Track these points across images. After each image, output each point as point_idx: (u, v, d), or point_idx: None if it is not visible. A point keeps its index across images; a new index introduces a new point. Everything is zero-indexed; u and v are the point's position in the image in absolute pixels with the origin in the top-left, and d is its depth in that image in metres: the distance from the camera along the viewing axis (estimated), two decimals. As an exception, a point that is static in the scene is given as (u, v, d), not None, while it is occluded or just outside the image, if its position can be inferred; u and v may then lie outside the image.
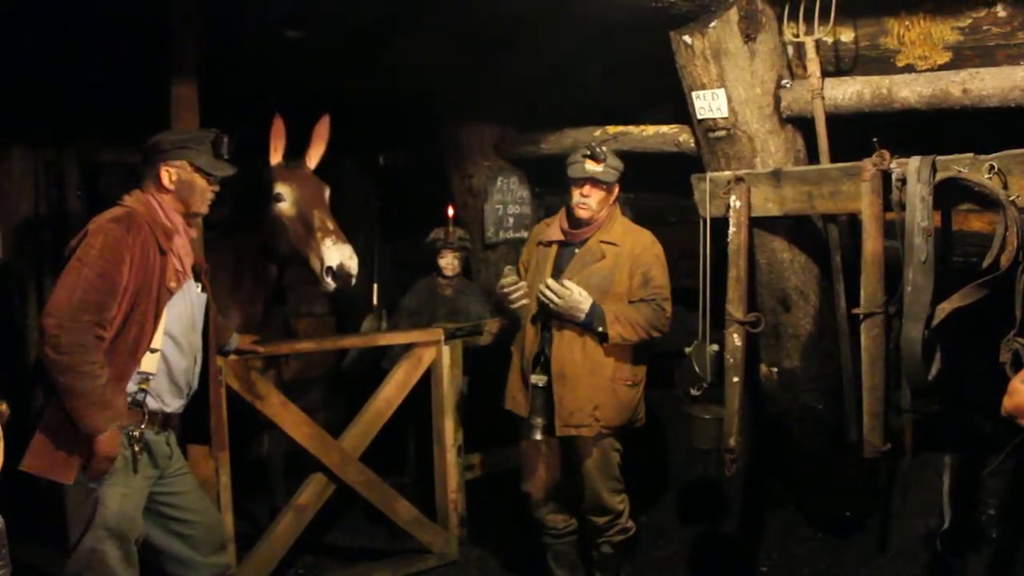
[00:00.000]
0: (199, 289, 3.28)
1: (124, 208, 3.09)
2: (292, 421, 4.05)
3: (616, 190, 3.92)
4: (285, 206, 4.05)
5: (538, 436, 3.94)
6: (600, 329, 3.77)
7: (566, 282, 3.79)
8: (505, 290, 3.90)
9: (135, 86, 4.05)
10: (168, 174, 3.15)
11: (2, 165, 4.57)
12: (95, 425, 2.88)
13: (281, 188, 4.06)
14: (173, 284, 3.08)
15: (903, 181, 3.19)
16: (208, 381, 3.33)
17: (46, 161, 4.66)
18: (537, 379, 3.89)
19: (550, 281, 3.79)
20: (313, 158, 4.21)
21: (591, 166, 3.83)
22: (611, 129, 4.63)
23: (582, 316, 3.76)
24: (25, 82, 4.22)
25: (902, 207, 3.20)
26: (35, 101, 4.30)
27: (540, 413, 3.92)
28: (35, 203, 4.63)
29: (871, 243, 3.35)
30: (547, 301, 3.78)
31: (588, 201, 3.85)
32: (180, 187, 3.16)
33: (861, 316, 3.39)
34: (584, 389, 3.82)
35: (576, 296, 3.75)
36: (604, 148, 3.89)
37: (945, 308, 3.08)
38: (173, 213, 3.15)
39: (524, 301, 3.89)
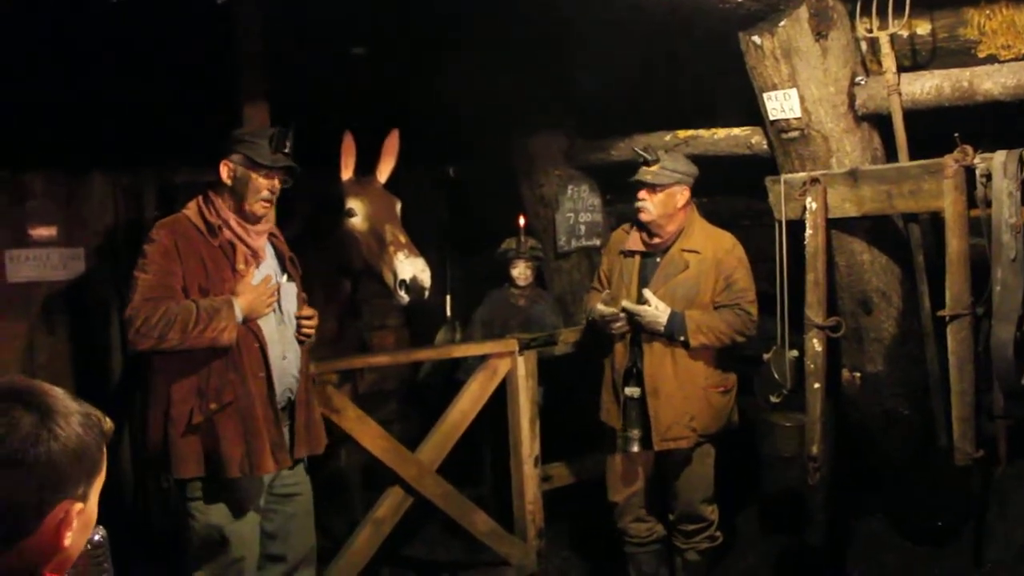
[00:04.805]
0: (285, 279, 3.36)
1: (174, 215, 3.28)
2: (368, 434, 4.06)
3: (683, 193, 3.87)
4: (357, 221, 4.06)
5: (635, 448, 3.91)
6: (682, 338, 3.78)
7: (646, 293, 3.80)
8: (607, 319, 3.89)
9: (208, 108, 4.12)
10: (227, 169, 3.25)
11: (83, 190, 4.69)
12: (225, 328, 3.06)
13: (353, 203, 4.07)
14: (242, 266, 3.20)
15: (988, 176, 3.13)
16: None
17: (124, 184, 4.77)
18: (631, 391, 3.88)
19: (626, 303, 3.83)
20: (383, 172, 4.22)
21: (642, 170, 3.85)
22: (681, 133, 4.59)
23: (662, 328, 3.78)
24: (103, 108, 4.32)
25: (988, 204, 3.14)
26: (112, 126, 4.40)
27: (635, 425, 3.90)
28: (114, 225, 4.74)
29: (956, 242, 3.30)
30: (631, 319, 3.83)
31: (644, 205, 3.85)
32: (236, 183, 3.25)
33: (947, 318, 3.34)
34: (679, 401, 3.83)
35: (653, 312, 3.77)
36: (657, 151, 3.88)
37: (1038, 308, 3.00)
38: (225, 211, 3.24)
39: (625, 330, 3.90)
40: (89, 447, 1.31)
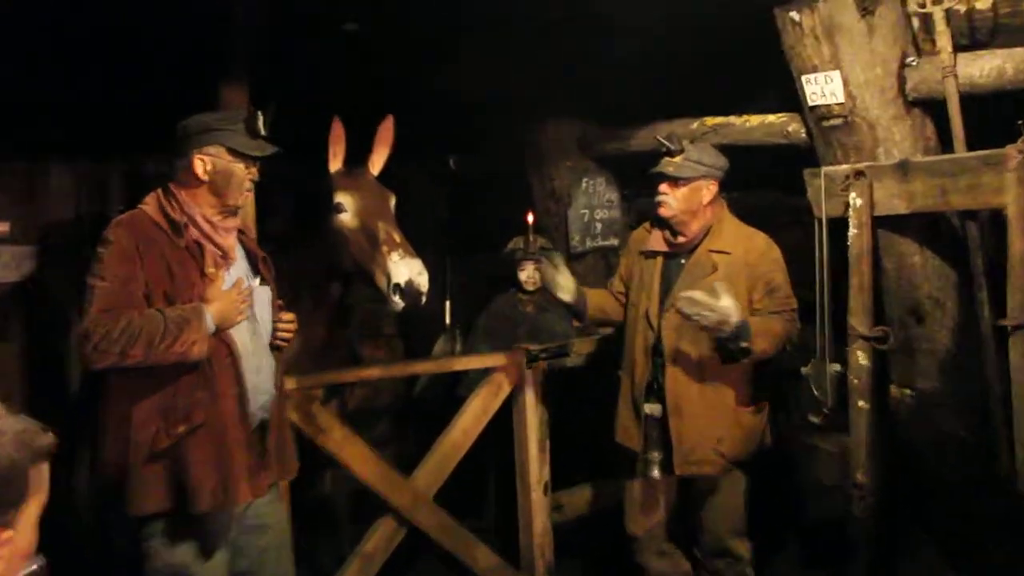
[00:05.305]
0: (258, 282, 3.16)
1: (131, 211, 3.02)
2: (357, 457, 3.89)
3: (709, 188, 3.72)
4: (347, 217, 3.90)
5: (655, 473, 3.74)
6: (744, 345, 3.39)
7: (717, 285, 3.40)
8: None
9: (179, 91, 3.93)
10: (202, 163, 2.99)
11: (40, 179, 4.52)
12: (195, 341, 2.81)
13: (342, 198, 3.91)
14: (212, 269, 2.96)
15: (1057, 169, 3.12)
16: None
17: (86, 174, 4.62)
18: (651, 409, 3.71)
19: (693, 293, 3.40)
20: (376, 164, 4.06)
21: (664, 161, 3.73)
22: (709, 121, 4.44)
23: (729, 329, 3.36)
24: (63, 93, 4.20)
25: (1056, 199, 3.13)
26: (73, 112, 4.27)
27: (656, 446, 3.72)
28: (75, 218, 4.58)
29: (1019, 242, 3.22)
30: (690, 315, 3.39)
31: (664, 199, 3.71)
32: (216, 178, 3.00)
33: (1009, 328, 3.26)
34: (704, 421, 3.63)
35: (726, 307, 3.34)
36: (681, 140, 3.76)
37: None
38: (191, 206, 2.99)
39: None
40: (17, 470, 1.30)
